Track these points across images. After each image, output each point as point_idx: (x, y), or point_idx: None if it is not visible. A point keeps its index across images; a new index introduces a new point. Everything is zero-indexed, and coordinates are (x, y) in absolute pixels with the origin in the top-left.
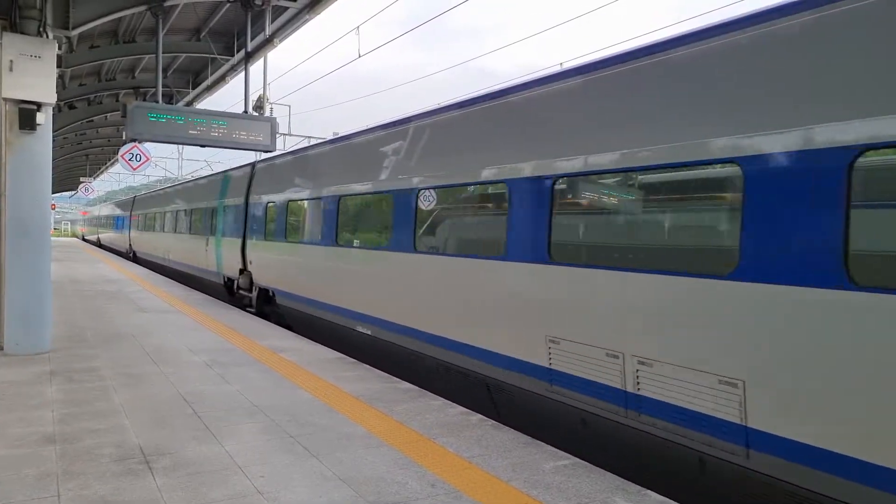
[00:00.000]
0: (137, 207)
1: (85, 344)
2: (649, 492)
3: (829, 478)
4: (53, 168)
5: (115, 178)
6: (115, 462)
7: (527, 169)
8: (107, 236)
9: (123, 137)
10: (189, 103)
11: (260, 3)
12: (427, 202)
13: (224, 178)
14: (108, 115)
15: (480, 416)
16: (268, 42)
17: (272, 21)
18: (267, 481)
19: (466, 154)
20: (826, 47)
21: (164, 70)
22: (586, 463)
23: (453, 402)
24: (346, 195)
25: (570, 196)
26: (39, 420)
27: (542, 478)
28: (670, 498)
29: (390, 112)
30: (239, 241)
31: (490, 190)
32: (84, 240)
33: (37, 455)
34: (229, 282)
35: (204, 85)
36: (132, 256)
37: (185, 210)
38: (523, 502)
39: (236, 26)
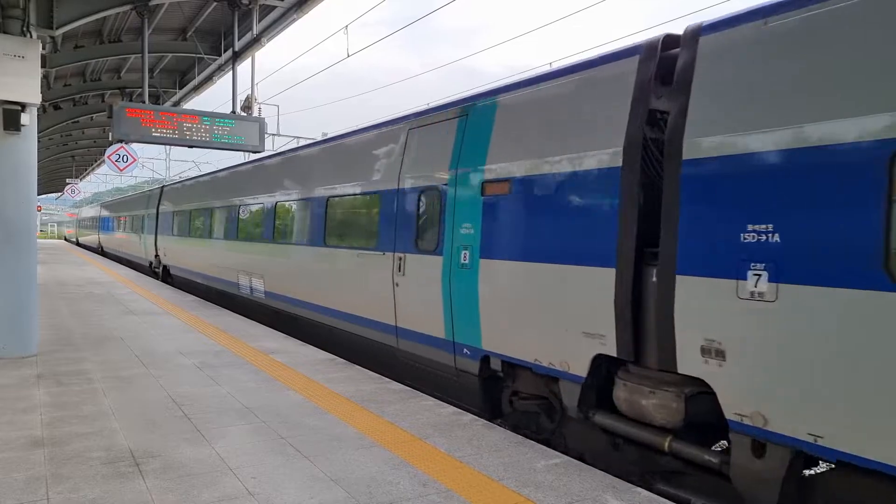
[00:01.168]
0: (172, 200)
1: (73, 347)
2: (639, 489)
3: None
4: (39, 169)
5: (102, 180)
6: (104, 465)
7: None
8: (113, 240)
9: (110, 138)
10: (176, 103)
11: (247, 3)
12: None
13: (483, 108)
14: (94, 115)
15: (472, 415)
16: (255, 42)
17: (259, 20)
18: (258, 483)
19: None
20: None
21: (151, 70)
22: (577, 461)
23: None
24: None
25: None
26: (27, 424)
27: (534, 476)
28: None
29: (380, 112)
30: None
31: None
32: (79, 244)
33: (25, 459)
34: (503, 378)
35: (191, 85)
36: (160, 273)
37: (303, 199)
38: (515, 501)
39: (223, 26)
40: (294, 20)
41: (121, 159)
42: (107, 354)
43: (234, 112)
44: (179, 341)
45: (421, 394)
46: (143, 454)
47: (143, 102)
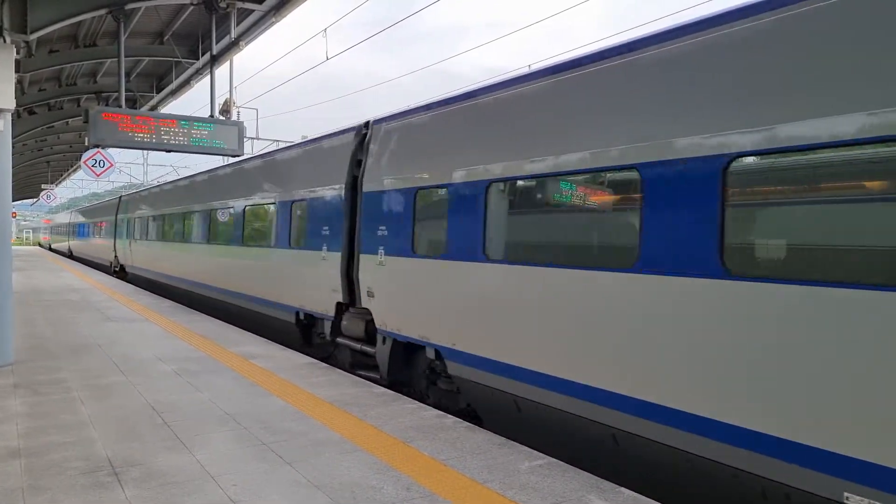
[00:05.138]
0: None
1: (49, 355)
2: (622, 489)
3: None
4: (13, 175)
5: (78, 185)
6: (83, 475)
7: None
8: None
9: (86, 143)
10: (153, 108)
11: (224, 6)
12: None
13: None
14: (70, 120)
15: (455, 418)
16: (233, 45)
17: (237, 24)
18: (240, 490)
19: None
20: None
21: (127, 74)
22: (561, 462)
23: None
24: None
25: None
26: (3, 434)
27: (518, 478)
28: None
29: (362, 115)
30: None
31: None
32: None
33: (1, 470)
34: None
35: (168, 89)
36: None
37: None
38: (499, 503)
39: (201, 29)
40: (272, 23)
41: (97, 164)
42: (85, 362)
43: (212, 116)
44: (158, 348)
45: (404, 397)
46: (123, 463)
47: (120, 107)
